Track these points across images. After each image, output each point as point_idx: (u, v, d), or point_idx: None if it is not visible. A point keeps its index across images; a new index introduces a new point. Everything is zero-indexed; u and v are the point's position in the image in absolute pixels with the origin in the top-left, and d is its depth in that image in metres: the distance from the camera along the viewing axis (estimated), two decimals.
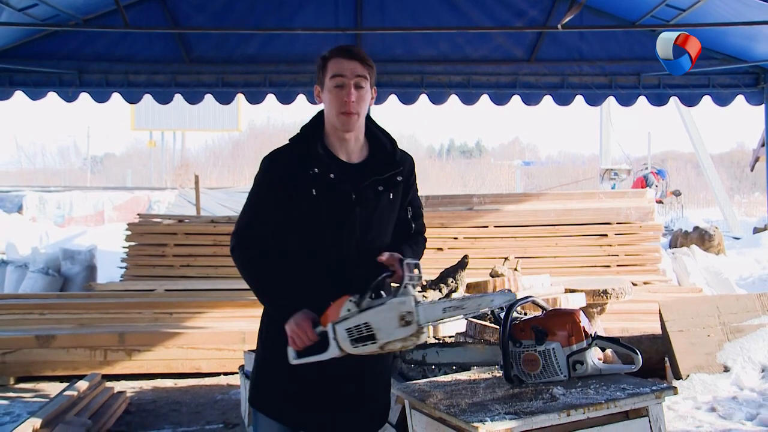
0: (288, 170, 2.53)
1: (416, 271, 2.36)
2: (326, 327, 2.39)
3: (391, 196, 2.59)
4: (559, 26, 6.57)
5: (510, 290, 2.50)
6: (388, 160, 2.61)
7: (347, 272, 2.50)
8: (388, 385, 2.74)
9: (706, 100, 8.19)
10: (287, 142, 2.63)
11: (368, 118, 2.68)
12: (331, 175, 2.51)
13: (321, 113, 2.65)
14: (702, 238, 11.61)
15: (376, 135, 2.67)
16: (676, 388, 2.48)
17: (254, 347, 2.77)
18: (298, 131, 2.65)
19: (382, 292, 2.41)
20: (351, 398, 2.56)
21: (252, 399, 2.66)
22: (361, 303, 2.34)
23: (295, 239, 2.55)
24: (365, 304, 2.34)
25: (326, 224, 2.51)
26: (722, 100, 8.15)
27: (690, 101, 8.34)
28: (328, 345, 2.38)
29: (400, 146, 2.68)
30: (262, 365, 2.65)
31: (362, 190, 2.53)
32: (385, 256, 2.46)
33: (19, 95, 8.16)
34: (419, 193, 2.78)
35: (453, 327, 4.15)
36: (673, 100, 8.42)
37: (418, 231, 2.72)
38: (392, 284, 2.48)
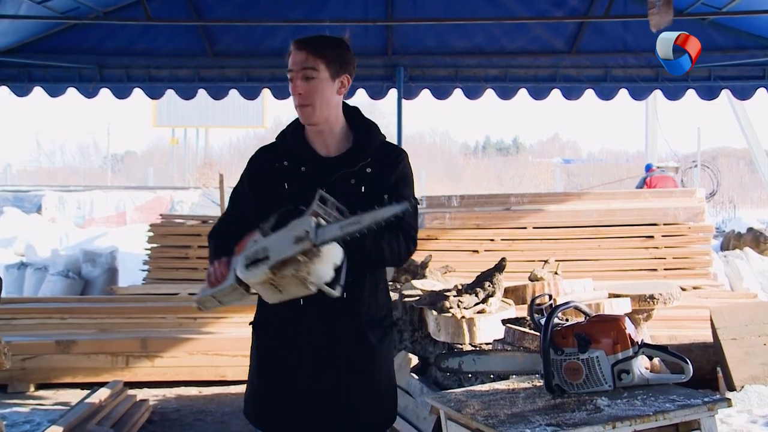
0: (265, 165, 2.66)
1: (336, 210, 2.29)
2: None
3: (363, 189, 2.57)
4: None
5: (406, 200, 2.37)
6: (361, 152, 2.62)
7: None
8: (384, 394, 2.70)
9: (761, 92, 7.92)
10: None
11: (354, 110, 2.69)
12: (302, 168, 2.58)
13: None
14: (756, 239, 11.21)
15: (359, 127, 2.68)
16: (730, 399, 2.42)
17: None
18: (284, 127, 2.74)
19: None
20: (342, 409, 2.57)
21: (246, 413, 2.73)
22: (266, 231, 2.33)
23: None
24: (269, 232, 2.34)
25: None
26: None
27: (743, 94, 8.08)
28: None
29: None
30: (252, 380, 2.71)
31: (332, 183, 2.53)
32: None
33: (38, 91, 8.17)
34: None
35: (490, 334, 4.00)
36: (725, 93, 8.15)
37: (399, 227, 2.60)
38: None
